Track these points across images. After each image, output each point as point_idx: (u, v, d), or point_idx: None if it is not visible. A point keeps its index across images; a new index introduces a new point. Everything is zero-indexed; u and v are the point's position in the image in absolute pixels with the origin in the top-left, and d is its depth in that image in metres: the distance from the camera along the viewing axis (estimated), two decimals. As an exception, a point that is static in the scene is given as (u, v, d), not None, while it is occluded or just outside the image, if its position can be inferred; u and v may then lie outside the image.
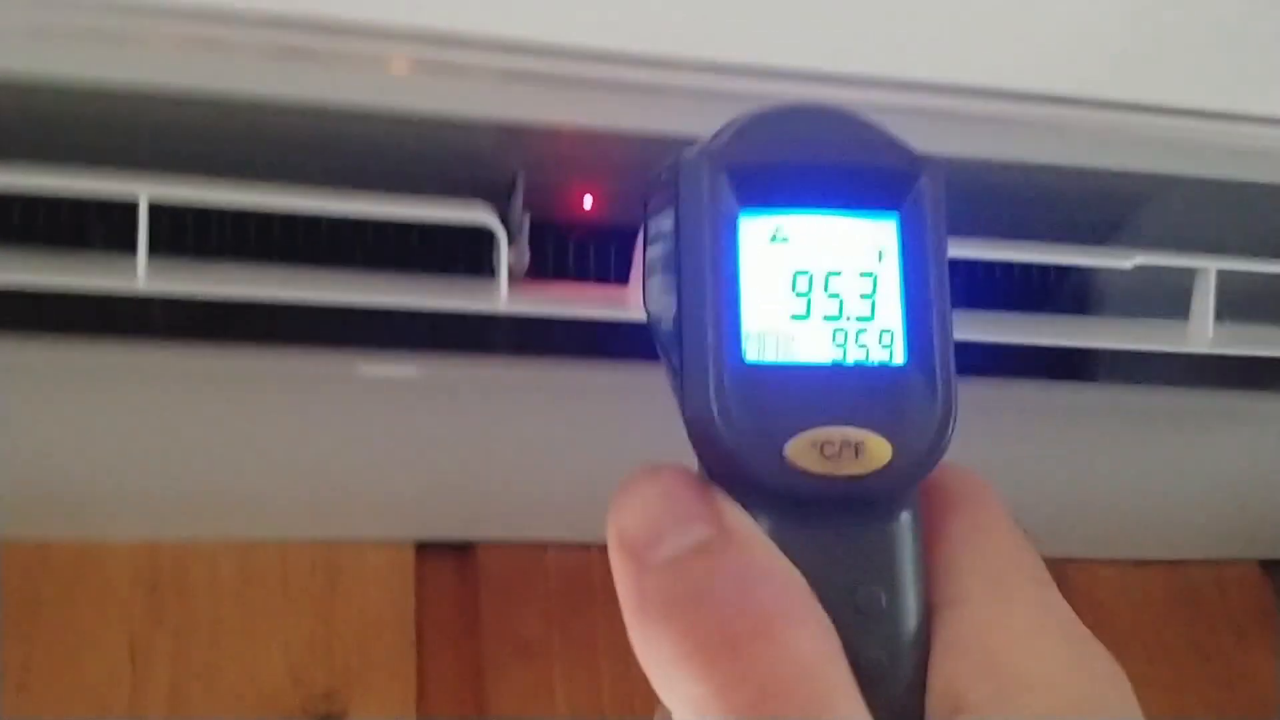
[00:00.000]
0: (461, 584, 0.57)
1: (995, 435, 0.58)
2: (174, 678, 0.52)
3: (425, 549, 0.57)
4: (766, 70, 0.44)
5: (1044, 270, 0.59)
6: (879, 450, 0.22)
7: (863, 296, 0.23)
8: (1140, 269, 0.49)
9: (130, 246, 0.43)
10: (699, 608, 0.21)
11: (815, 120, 0.24)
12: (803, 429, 0.22)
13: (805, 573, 0.22)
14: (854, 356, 0.23)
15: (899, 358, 0.23)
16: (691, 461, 0.24)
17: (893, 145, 0.24)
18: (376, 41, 0.42)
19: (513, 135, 0.48)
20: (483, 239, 0.49)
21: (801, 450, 0.22)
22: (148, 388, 0.52)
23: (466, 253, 0.51)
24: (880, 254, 0.23)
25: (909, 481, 0.23)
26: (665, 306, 0.24)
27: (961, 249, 0.50)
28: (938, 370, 0.23)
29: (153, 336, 0.52)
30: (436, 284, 0.47)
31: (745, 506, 0.22)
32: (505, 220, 0.46)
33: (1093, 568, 0.62)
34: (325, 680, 0.53)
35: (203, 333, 0.52)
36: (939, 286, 0.23)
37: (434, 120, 0.47)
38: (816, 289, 0.23)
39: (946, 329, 0.23)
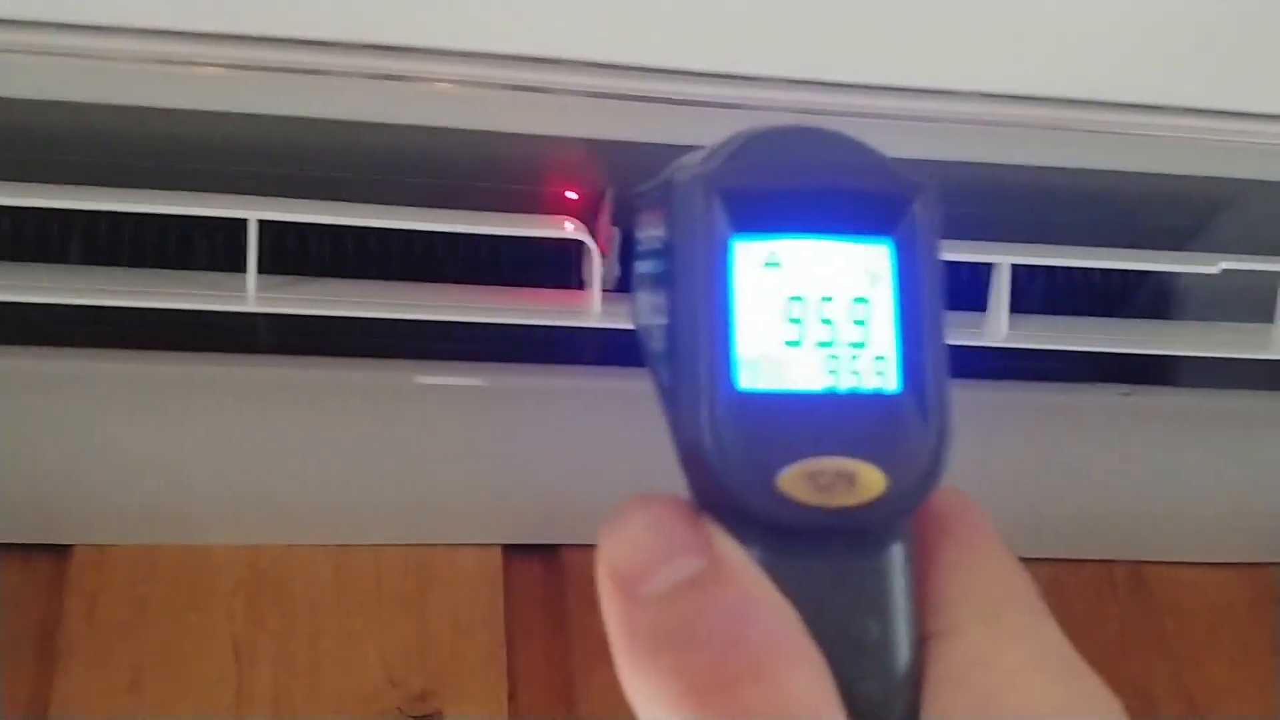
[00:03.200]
0: (549, 586, 0.58)
1: (1076, 440, 0.58)
2: (276, 678, 0.53)
3: (513, 552, 0.58)
4: (844, 85, 0.45)
5: (1123, 275, 0.59)
6: (873, 481, 0.22)
7: (856, 322, 0.23)
8: (1225, 273, 0.49)
9: (236, 265, 0.45)
10: (689, 645, 0.20)
11: (808, 142, 0.23)
12: (796, 459, 0.21)
13: (797, 605, 0.21)
14: (847, 384, 0.23)
15: (892, 385, 0.23)
16: None
17: (886, 169, 0.23)
18: (469, 64, 0.43)
19: (599, 152, 0.49)
20: (569, 256, 0.51)
21: (794, 481, 0.21)
22: (249, 400, 0.54)
23: (554, 269, 0.53)
24: (874, 279, 0.23)
25: (903, 512, 0.22)
26: (656, 325, 0.23)
27: (1045, 256, 0.51)
28: (932, 398, 0.22)
29: (253, 351, 0.54)
30: (532, 298, 0.48)
31: (736, 537, 0.22)
32: (593, 235, 0.47)
33: (1173, 571, 0.62)
34: (420, 681, 0.55)
35: (301, 346, 0.53)
36: (933, 312, 0.23)
37: (523, 138, 0.48)
38: (810, 315, 0.23)
39: (941, 356, 0.23)
